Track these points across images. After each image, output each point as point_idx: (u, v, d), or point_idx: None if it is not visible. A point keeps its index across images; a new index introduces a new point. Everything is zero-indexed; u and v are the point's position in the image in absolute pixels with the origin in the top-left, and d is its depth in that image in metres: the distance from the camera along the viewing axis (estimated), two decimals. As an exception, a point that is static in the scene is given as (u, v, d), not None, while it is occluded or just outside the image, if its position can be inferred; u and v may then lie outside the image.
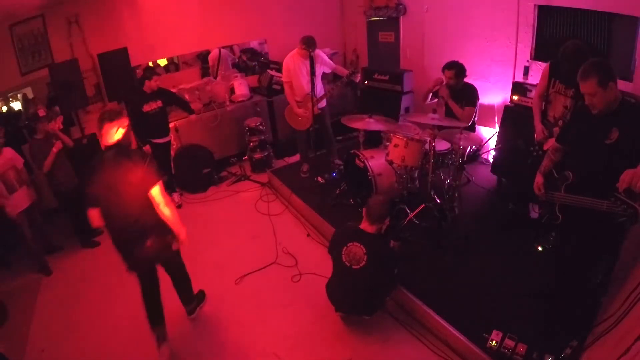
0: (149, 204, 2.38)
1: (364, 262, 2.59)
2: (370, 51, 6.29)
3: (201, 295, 3.19)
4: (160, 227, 2.47)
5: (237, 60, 6.12)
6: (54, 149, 3.78)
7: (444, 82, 3.91)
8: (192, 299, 3.05)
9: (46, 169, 3.78)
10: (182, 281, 2.92)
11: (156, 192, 2.35)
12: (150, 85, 4.30)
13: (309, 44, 3.94)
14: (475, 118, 3.97)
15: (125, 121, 2.41)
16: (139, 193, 2.34)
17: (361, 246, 2.62)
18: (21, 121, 4.77)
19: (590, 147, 2.15)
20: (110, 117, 2.34)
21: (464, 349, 2.47)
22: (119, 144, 2.36)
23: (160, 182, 2.38)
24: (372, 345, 2.71)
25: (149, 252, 2.47)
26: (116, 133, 2.34)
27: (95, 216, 2.49)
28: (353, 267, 2.63)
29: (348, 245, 2.67)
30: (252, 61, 6.19)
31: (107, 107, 2.74)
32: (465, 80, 3.90)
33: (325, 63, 4.36)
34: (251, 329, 2.98)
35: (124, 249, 2.55)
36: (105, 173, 2.34)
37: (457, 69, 3.78)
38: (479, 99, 3.90)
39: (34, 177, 4.23)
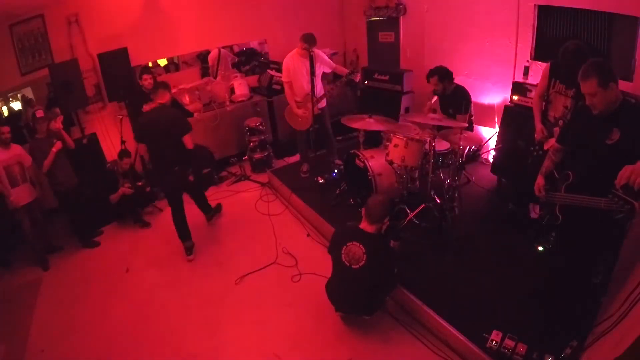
0: (179, 143, 3.53)
1: (363, 262, 2.59)
2: (370, 51, 6.29)
3: (218, 207, 4.47)
4: (184, 161, 3.67)
5: (236, 60, 6.12)
6: (54, 149, 3.79)
7: (433, 89, 3.93)
8: (209, 210, 4.31)
9: (46, 169, 3.80)
10: (200, 197, 4.22)
11: (187, 138, 3.54)
12: (143, 84, 4.31)
13: (309, 41, 3.93)
14: (472, 118, 3.98)
15: (170, 90, 3.71)
16: (174, 134, 3.51)
17: (360, 246, 2.62)
18: (21, 121, 4.77)
19: (591, 148, 2.15)
20: (165, 86, 3.65)
21: (464, 349, 2.47)
22: (165, 103, 3.57)
23: (189, 134, 3.56)
24: (372, 345, 2.71)
25: (176, 176, 3.64)
26: (165, 96, 3.57)
27: (142, 149, 3.69)
28: (352, 266, 2.63)
29: (348, 244, 2.67)
30: (246, 65, 6.17)
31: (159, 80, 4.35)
32: (464, 80, 3.89)
33: (325, 62, 4.35)
34: (251, 329, 2.98)
35: (161, 174, 3.72)
36: (154, 119, 3.53)
37: (439, 74, 3.79)
38: (471, 101, 3.91)
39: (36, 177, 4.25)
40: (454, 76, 3.87)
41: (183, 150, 3.54)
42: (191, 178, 3.77)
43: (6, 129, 3.65)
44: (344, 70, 4.42)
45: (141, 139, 3.59)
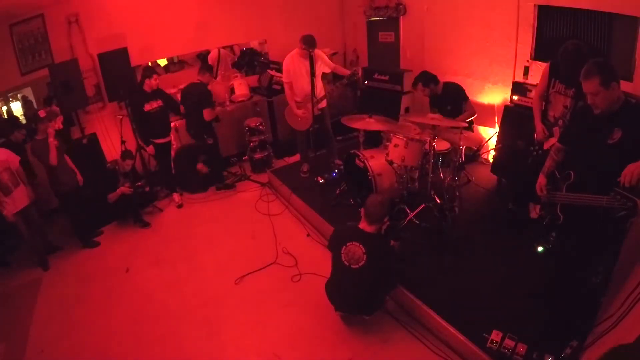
0: (201, 112, 4.49)
1: (363, 262, 2.59)
2: (370, 51, 6.29)
3: (231, 185, 5.06)
4: (205, 126, 4.63)
5: (235, 60, 6.12)
6: (54, 141, 3.67)
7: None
8: (222, 180, 5.08)
9: (53, 162, 3.68)
10: (218, 167, 5.06)
11: (206, 111, 4.46)
12: (151, 84, 4.30)
13: (309, 43, 3.93)
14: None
15: (212, 72, 4.78)
16: (199, 105, 4.45)
17: (360, 246, 2.62)
18: (16, 124, 4.76)
19: (592, 148, 2.15)
20: (209, 68, 4.67)
21: (464, 349, 2.47)
22: (203, 81, 4.52)
23: (209, 108, 4.49)
24: (372, 345, 2.71)
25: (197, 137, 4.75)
26: (205, 76, 4.53)
27: (182, 109, 4.64)
28: (352, 266, 2.62)
29: (347, 244, 2.67)
30: (248, 67, 6.19)
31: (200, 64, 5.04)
32: (463, 80, 3.91)
33: (325, 62, 4.35)
34: (251, 329, 2.98)
35: (193, 134, 4.76)
36: (192, 90, 4.54)
37: (422, 80, 3.99)
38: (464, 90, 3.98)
39: (36, 178, 4.24)
40: (438, 77, 3.97)
41: (199, 118, 4.50)
42: (210, 141, 4.68)
43: None
44: (343, 71, 4.42)
45: (182, 102, 4.60)
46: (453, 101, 3.75)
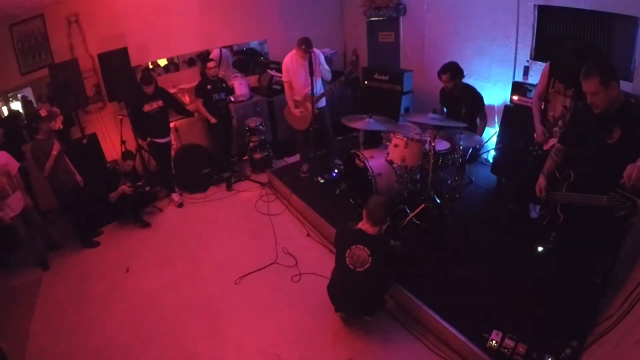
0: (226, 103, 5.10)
1: (368, 264, 2.59)
2: (370, 51, 6.29)
3: (229, 181, 5.08)
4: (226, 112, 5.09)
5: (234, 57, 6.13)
6: (54, 152, 3.72)
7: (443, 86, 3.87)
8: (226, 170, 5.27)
9: (47, 173, 3.72)
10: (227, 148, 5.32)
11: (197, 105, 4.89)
12: (149, 90, 4.30)
13: (308, 43, 3.97)
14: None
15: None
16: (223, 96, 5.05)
17: (365, 249, 2.61)
18: (20, 121, 4.76)
19: (592, 147, 2.16)
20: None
21: (464, 349, 2.47)
22: (220, 77, 5.03)
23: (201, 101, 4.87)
24: (372, 345, 2.71)
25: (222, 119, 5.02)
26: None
27: (200, 102, 4.84)
28: (357, 269, 2.61)
29: (352, 248, 2.65)
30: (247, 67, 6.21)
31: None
32: (466, 80, 3.89)
33: (323, 64, 4.35)
34: (251, 329, 2.98)
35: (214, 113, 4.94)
36: (213, 84, 4.92)
37: (452, 71, 3.60)
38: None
39: (33, 178, 4.23)
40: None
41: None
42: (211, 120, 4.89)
43: None
44: (328, 78, 4.39)
45: (200, 95, 4.80)
46: (470, 106, 3.65)
